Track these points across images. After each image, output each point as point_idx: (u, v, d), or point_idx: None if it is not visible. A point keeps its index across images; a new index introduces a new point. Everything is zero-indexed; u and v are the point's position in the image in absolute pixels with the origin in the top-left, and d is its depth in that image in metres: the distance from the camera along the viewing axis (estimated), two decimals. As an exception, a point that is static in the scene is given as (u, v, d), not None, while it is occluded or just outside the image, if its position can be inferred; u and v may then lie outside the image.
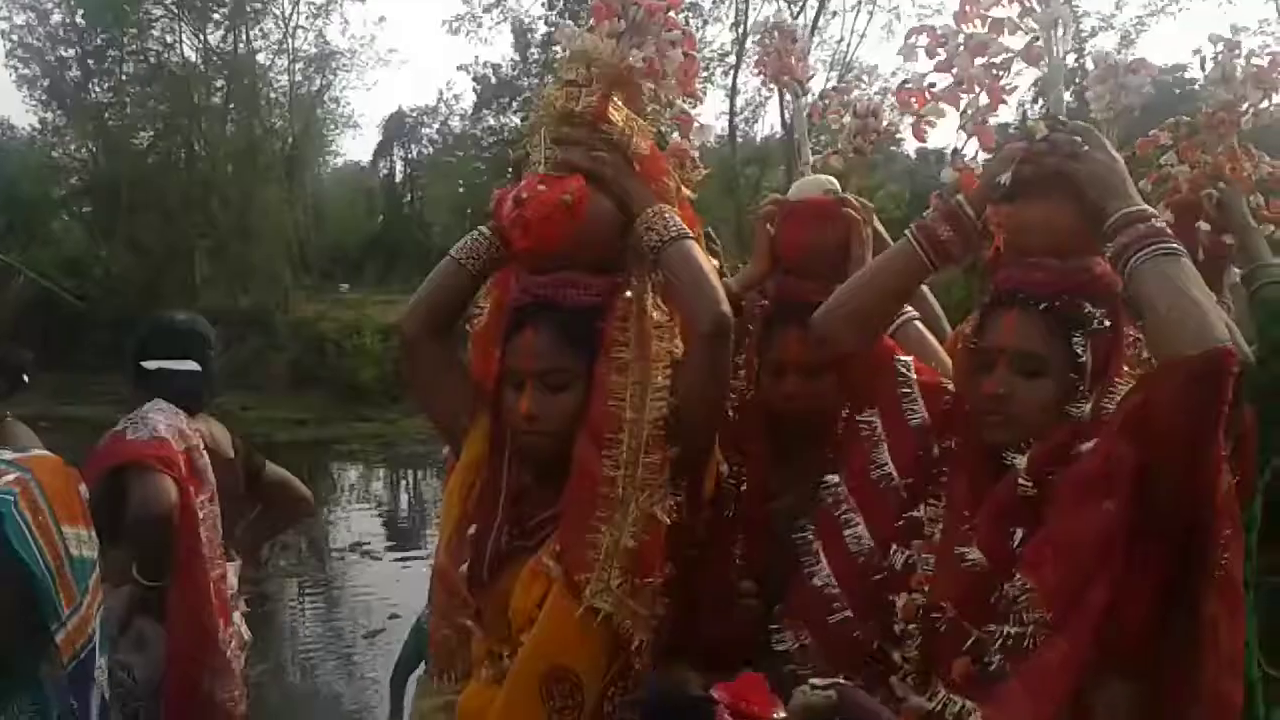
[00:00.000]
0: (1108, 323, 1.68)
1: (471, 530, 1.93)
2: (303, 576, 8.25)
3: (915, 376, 1.92)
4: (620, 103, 1.93)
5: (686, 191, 2.03)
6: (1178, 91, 11.42)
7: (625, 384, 1.85)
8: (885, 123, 2.54)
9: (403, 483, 13.56)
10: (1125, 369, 1.70)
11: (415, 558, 8.71)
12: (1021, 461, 1.65)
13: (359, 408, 17.00)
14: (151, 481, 2.66)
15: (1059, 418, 1.67)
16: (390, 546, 9.44)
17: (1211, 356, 1.44)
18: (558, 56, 2.00)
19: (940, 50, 1.81)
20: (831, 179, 2.34)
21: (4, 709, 1.87)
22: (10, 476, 1.85)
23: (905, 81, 1.87)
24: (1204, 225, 2.35)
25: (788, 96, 2.54)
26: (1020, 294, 1.71)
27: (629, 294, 1.91)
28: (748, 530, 2.15)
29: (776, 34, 2.47)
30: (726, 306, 1.82)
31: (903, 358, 1.95)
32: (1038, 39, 1.75)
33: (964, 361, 1.83)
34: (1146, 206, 1.63)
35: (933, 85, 1.84)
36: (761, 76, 2.61)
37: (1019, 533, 1.62)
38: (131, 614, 2.65)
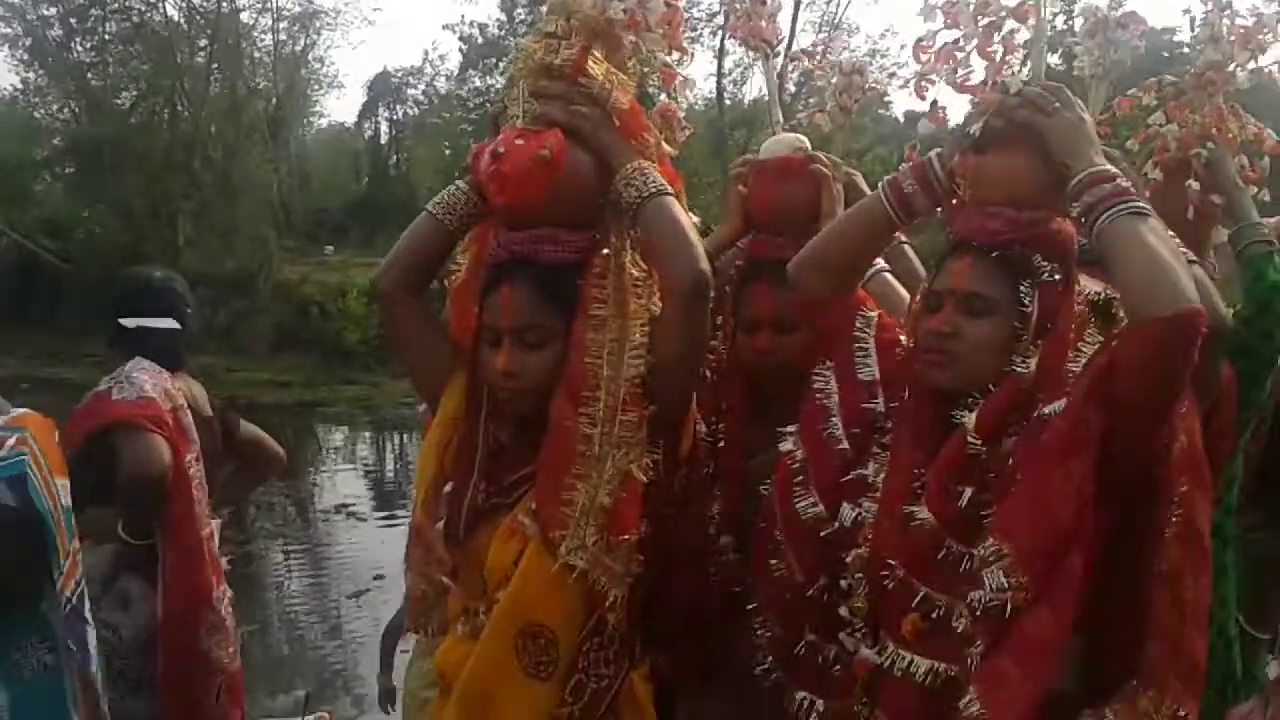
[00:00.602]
0: (1058, 277, 1.70)
1: (448, 487, 1.92)
2: (288, 537, 8.27)
3: (873, 331, 1.95)
4: (600, 56, 1.90)
5: (667, 148, 2.01)
6: (1166, 55, 11.37)
7: (603, 341, 1.84)
8: (870, 81, 2.54)
9: (388, 445, 13.57)
10: (1073, 329, 1.71)
11: (400, 519, 8.73)
12: (970, 419, 1.67)
13: (343, 370, 16.97)
14: (143, 441, 2.67)
15: (1001, 365, 1.68)
16: (375, 508, 9.46)
17: (1183, 316, 1.45)
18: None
19: (951, 10, 1.84)
20: (801, 137, 2.34)
21: (22, 646, 2.08)
22: (13, 439, 2.04)
23: (920, 38, 1.89)
24: (1194, 184, 2.34)
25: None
26: (975, 241, 1.73)
27: (607, 251, 1.90)
28: (725, 487, 2.16)
29: None
30: (705, 264, 1.81)
31: (866, 312, 1.97)
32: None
33: (916, 307, 1.84)
34: (1111, 166, 1.64)
35: (935, 37, 1.86)
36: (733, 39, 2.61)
37: (967, 492, 1.64)
38: (117, 572, 2.66)
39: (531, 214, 1.86)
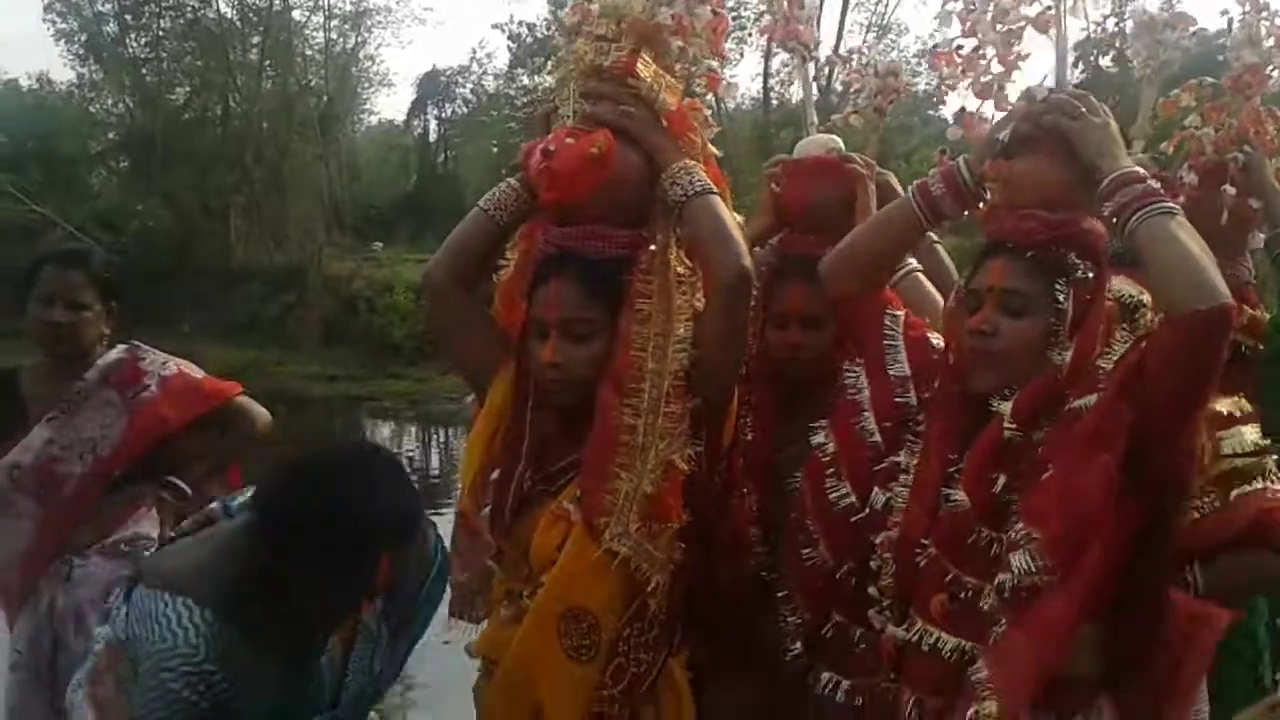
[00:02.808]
0: (1090, 275, 1.74)
1: (494, 475, 1.99)
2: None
3: (901, 328, 2.01)
4: (649, 59, 1.96)
5: (712, 149, 2.06)
6: (1220, 59, 11.20)
7: (648, 335, 1.90)
8: (906, 82, 2.58)
9: (433, 440, 13.67)
10: (1104, 326, 1.75)
11: (445, 512, 8.79)
12: (1006, 407, 1.72)
13: (390, 365, 17.11)
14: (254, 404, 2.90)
15: (1038, 363, 1.73)
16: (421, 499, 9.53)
17: (1217, 310, 1.51)
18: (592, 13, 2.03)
19: (969, 17, 1.89)
20: (834, 138, 2.40)
21: None
22: None
23: (936, 45, 1.93)
24: (1229, 189, 2.35)
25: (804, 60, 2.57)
26: (1009, 242, 1.78)
27: (653, 247, 1.95)
28: (753, 480, 2.21)
29: None
30: (748, 261, 1.87)
31: (894, 311, 2.03)
32: (1050, 8, 1.82)
33: (953, 308, 1.88)
34: (1139, 168, 1.68)
35: (960, 48, 1.90)
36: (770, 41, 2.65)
37: (1001, 478, 1.69)
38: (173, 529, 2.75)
39: (580, 210, 1.93)
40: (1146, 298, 2.12)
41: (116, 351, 2.77)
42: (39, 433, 2.67)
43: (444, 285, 2.03)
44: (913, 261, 2.23)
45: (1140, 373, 1.57)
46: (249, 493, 2.03)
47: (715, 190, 1.92)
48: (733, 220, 1.92)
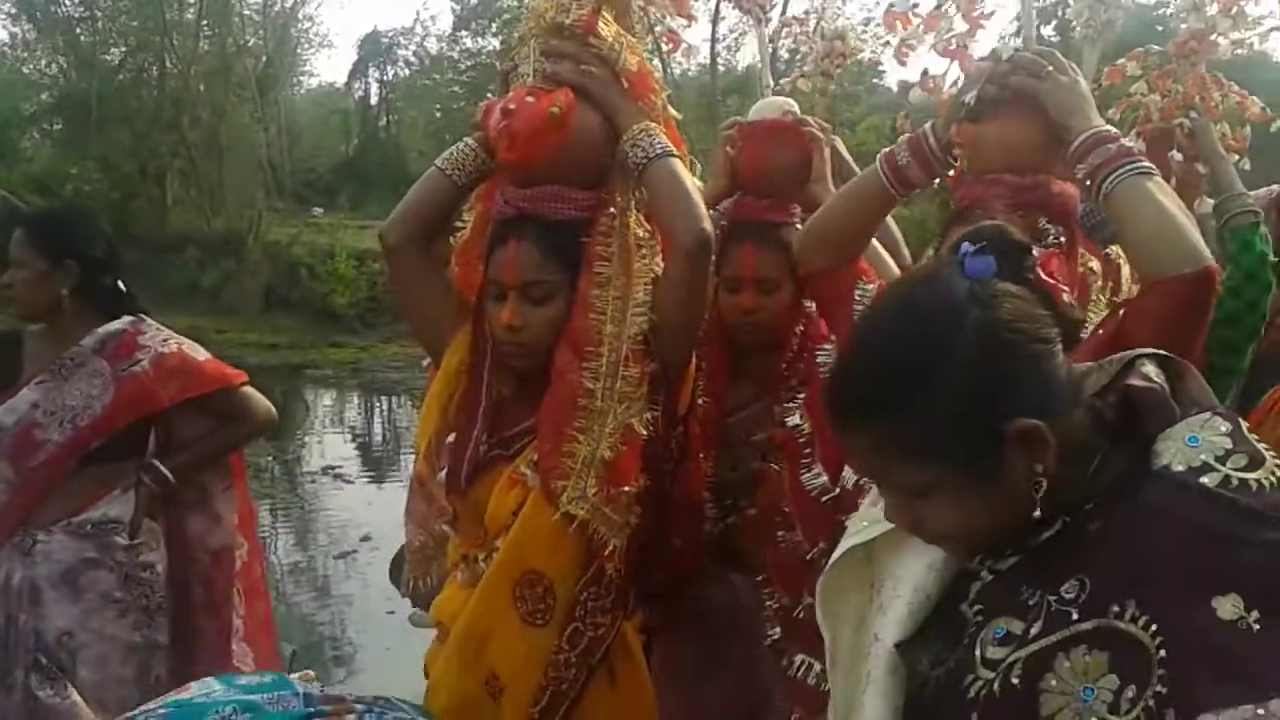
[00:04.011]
0: (1062, 240, 1.73)
1: (450, 438, 1.97)
2: (275, 499, 8.28)
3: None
4: (610, 18, 1.93)
5: (672, 111, 2.04)
6: (1160, 29, 11.37)
7: (607, 298, 1.88)
8: (854, 47, 2.58)
9: (376, 408, 13.58)
10: (1078, 293, 1.74)
11: (388, 483, 8.77)
12: None
13: (332, 333, 16.95)
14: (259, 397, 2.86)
15: None
16: (362, 471, 9.48)
17: (1202, 274, 1.44)
18: None
19: None
20: (790, 101, 2.38)
21: None
22: None
23: (892, 4, 1.91)
24: (1177, 155, 2.38)
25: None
26: (979, 209, 1.76)
27: (613, 210, 1.93)
28: (705, 443, 2.20)
29: None
30: (708, 224, 1.86)
31: (866, 284, 2.00)
32: None
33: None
34: (1111, 127, 1.65)
35: (916, 6, 1.88)
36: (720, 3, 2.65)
37: None
38: (145, 516, 2.70)
39: (540, 171, 1.90)
40: (1095, 264, 2.15)
41: (119, 323, 2.70)
42: (26, 395, 2.61)
43: (400, 246, 1.99)
44: None
45: (1118, 342, 1.54)
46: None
47: (675, 153, 1.90)
48: (693, 183, 1.90)
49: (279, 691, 1.84)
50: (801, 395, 2.08)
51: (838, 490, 1.93)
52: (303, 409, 12.72)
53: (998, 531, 1.09)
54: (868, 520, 1.27)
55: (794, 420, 2.04)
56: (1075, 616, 0.98)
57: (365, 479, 9.11)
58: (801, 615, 2.00)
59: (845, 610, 1.31)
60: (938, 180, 1.88)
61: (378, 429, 12.49)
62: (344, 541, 7.07)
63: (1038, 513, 1.05)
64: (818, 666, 1.96)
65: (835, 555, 1.33)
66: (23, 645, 2.55)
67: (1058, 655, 0.98)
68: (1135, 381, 1.10)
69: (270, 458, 9.27)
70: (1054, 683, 0.97)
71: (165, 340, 2.74)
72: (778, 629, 2.08)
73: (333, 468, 9.27)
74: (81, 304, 2.67)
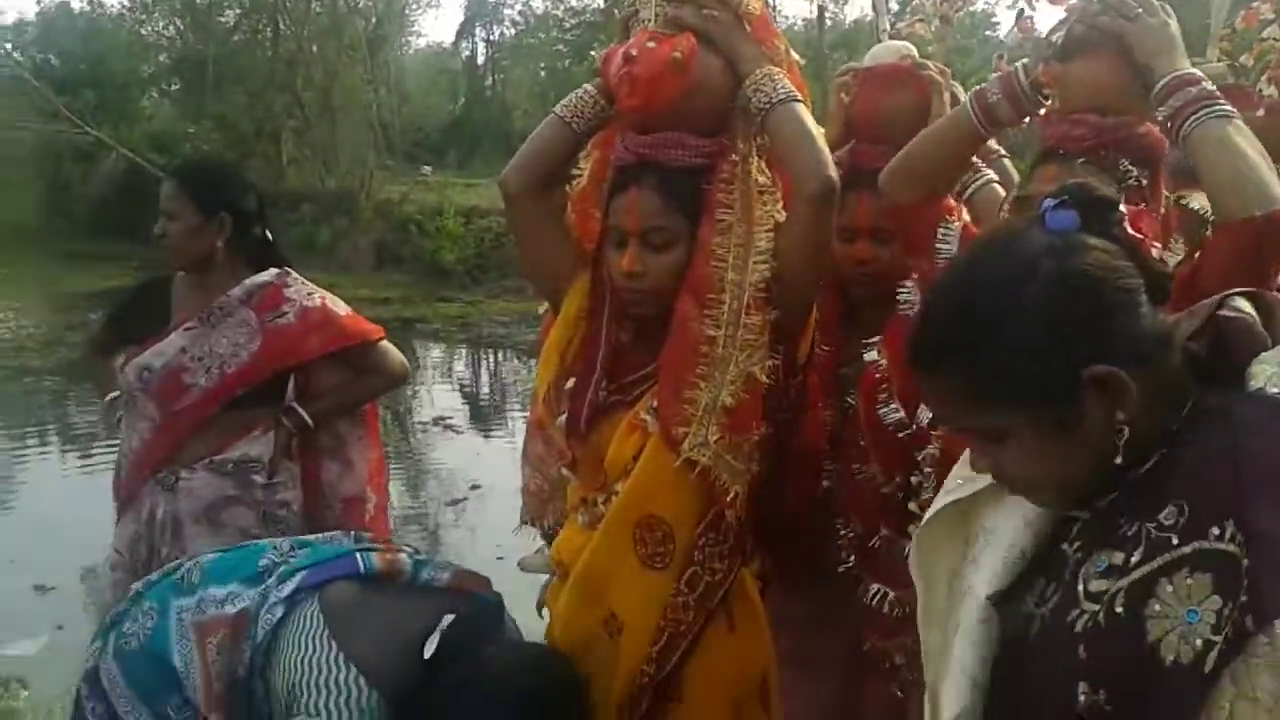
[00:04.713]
0: (1144, 181, 1.70)
1: (569, 384, 1.99)
2: (387, 447, 8.48)
3: (956, 240, 1.99)
4: (730, -39, 1.90)
5: (795, 56, 2.01)
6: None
7: (728, 245, 1.87)
8: None
9: (483, 362, 13.77)
10: (1157, 235, 1.71)
11: (496, 435, 8.92)
12: None
13: (441, 289, 17.19)
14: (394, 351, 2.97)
15: None
16: (471, 422, 9.65)
17: (1273, 217, 1.47)
18: None
19: None
20: (908, 45, 2.33)
21: None
22: None
23: None
24: None
25: None
26: (1061, 149, 1.75)
27: (734, 156, 1.91)
28: (822, 393, 2.20)
29: None
30: (833, 170, 1.83)
31: (951, 222, 1.99)
32: None
33: (1008, 218, 1.86)
34: (1196, 70, 1.63)
35: None
36: None
37: None
38: (284, 458, 2.81)
39: (661, 117, 1.88)
40: (1197, 203, 2.09)
41: (266, 275, 2.80)
42: (175, 340, 2.72)
43: (519, 193, 2.00)
44: (989, 173, 2.19)
45: (1193, 284, 1.52)
46: (438, 566, 2.03)
47: (799, 98, 1.87)
48: (817, 129, 1.87)
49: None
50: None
51: (914, 426, 1.94)
52: (413, 362, 12.98)
53: (1079, 480, 1.09)
54: (963, 477, 1.28)
55: (871, 355, 2.05)
56: (1175, 541, 0.99)
57: (474, 430, 9.28)
58: (877, 545, 2.06)
59: (939, 565, 1.32)
60: (1027, 119, 1.86)
61: (485, 382, 12.68)
62: (454, 490, 7.22)
63: (1119, 459, 1.05)
64: (892, 594, 2.04)
65: (930, 511, 1.34)
66: None
67: (1160, 581, 0.98)
68: (1226, 313, 1.11)
69: (384, 408, 9.49)
70: (1158, 608, 0.97)
71: (310, 294, 2.83)
72: (852, 558, 2.10)
73: (443, 419, 9.46)
74: (231, 255, 2.77)
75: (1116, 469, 1.07)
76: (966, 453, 1.23)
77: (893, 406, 2.00)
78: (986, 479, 1.20)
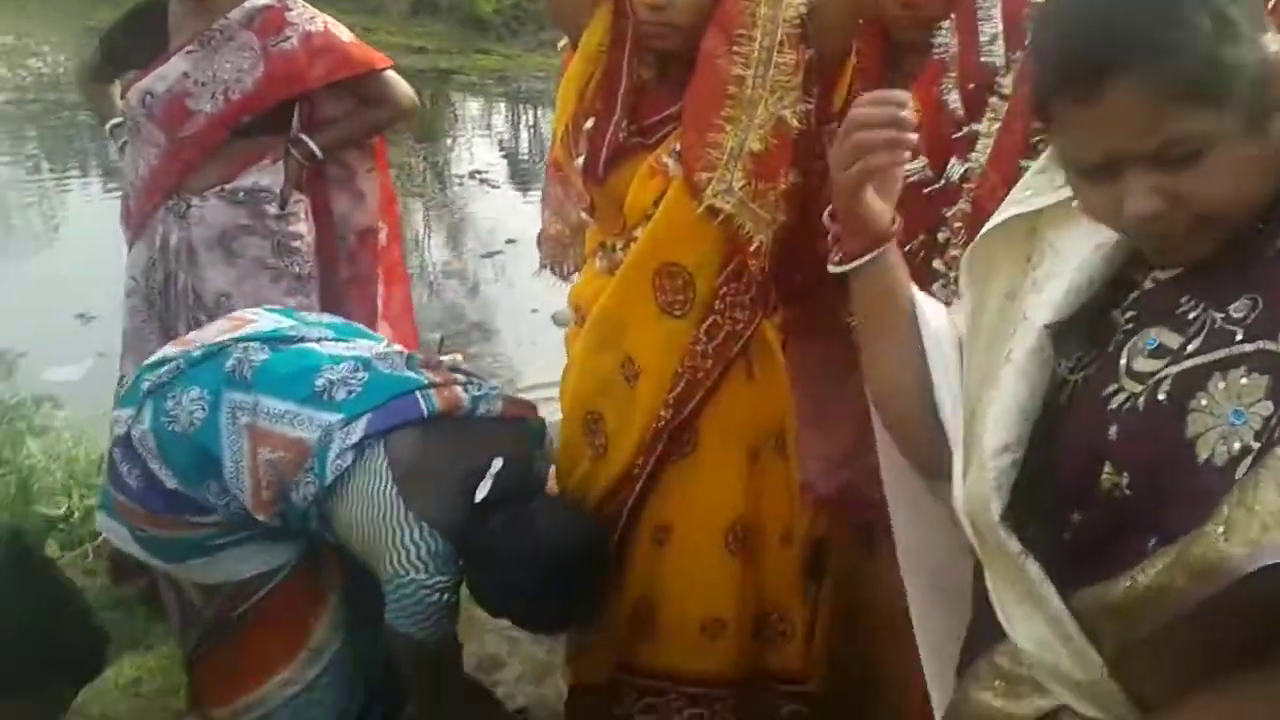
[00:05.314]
0: None
1: (588, 124, 1.90)
2: (425, 198, 8.44)
3: None
4: None
5: None
6: None
7: (761, -23, 1.73)
8: None
9: (521, 118, 13.50)
10: None
11: (532, 189, 8.83)
12: None
13: (478, 40, 16.70)
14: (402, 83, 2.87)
15: None
16: (508, 176, 9.55)
17: None
18: None
19: None
20: None
21: None
22: None
23: None
24: None
25: None
26: None
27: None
28: None
29: None
30: None
31: None
32: None
33: None
34: None
35: None
36: None
37: None
38: (294, 189, 2.78)
39: None
40: None
41: None
42: (176, 64, 2.64)
43: None
44: None
45: None
46: (491, 398, 2.04)
47: None
48: None
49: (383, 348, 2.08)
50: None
51: (942, 183, 1.81)
52: (450, 114, 12.75)
53: (1263, 203, 0.95)
54: (1033, 189, 1.15)
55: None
56: (1239, 336, 0.90)
57: (511, 185, 9.19)
58: None
59: (994, 282, 1.21)
60: None
61: (523, 137, 12.47)
62: (491, 243, 7.21)
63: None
64: None
65: (993, 220, 1.22)
66: (183, 302, 2.72)
67: (1213, 375, 0.90)
68: None
69: (422, 159, 9.39)
70: (1204, 402, 0.90)
71: (312, 18, 2.71)
72: None
73: (479, 172, 9.35)
74: None
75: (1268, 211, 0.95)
76: (1040, 159, 1.12)
77: (920, 162, 1.89)
78: (1061, 192, 1.06)
